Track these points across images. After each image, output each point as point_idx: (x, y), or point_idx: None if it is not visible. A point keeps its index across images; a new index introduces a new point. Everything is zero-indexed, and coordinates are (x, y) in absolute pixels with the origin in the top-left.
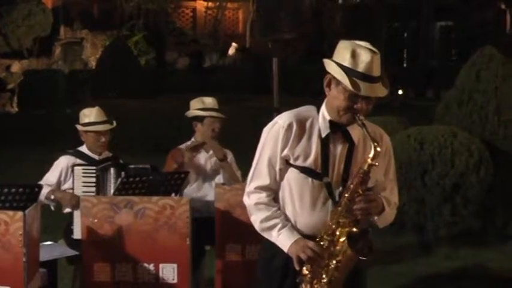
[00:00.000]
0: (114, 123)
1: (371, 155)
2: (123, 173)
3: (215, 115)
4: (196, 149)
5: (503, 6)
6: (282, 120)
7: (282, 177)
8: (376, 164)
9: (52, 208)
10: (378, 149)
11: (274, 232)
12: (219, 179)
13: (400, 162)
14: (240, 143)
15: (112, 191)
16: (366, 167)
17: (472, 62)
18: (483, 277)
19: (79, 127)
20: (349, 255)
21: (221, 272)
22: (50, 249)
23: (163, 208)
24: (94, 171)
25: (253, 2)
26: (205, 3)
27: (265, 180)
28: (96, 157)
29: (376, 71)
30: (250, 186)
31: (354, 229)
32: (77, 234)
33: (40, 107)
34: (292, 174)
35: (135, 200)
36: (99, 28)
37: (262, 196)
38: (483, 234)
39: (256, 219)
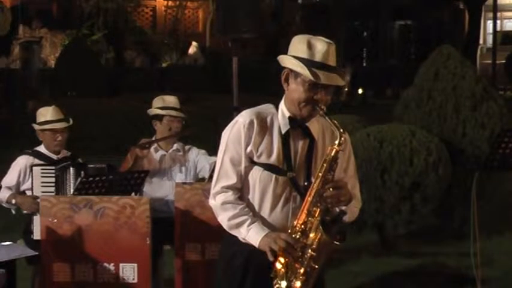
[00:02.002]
0: (71, 121)
1: (337, 142)
2: (82, 173)
3: (174, 114)
4: (143, 147)
5: (461, 6)
6: (242, 118)
7: (247, 176)
8: (342, 150)
9: (13, 212)
10: (344, 135)
11: (243, 229)
12: (180, 178)
13: (360, 160)
14: (200, 142)
15: (71, 190)
16: (333, 154)
17: (430, 61)
18: (441, 274)
19: (36, 126)
20: (324, 242)
21: (181, 272)
22: (9, 250)
23: (123, 208)
24: (53, 171)
25: (213, 1)
26: (165, 2)
27: (231, 179)
28: (54, 157)
29: (333, 61)
30: (216, 187)
31: (327, 217)
32: (37, 234)
33: None
34: (256, 173)
35: (94, 199)
36: (58, 27)
37: (229, 195)
38: (441, 232)
39: (224, 218)
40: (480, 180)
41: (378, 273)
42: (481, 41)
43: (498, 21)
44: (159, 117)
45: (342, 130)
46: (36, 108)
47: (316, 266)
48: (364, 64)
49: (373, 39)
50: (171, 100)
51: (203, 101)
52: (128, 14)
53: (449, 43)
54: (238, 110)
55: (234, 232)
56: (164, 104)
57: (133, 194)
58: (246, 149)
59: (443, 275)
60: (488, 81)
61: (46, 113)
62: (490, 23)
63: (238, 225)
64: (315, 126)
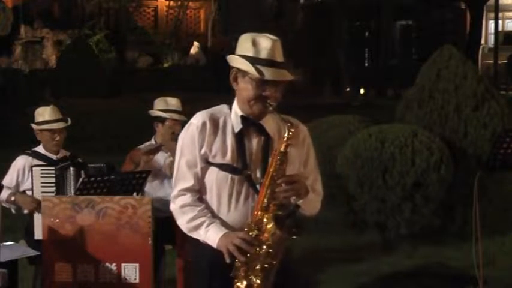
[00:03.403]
0: (69, 121)
1: (285, 135)
2: (82, 173)
3: (176, 118)
4: (152, 152)
5: (463, 6)
6: (196, 120)
7: (203, 177)
8: (291, 143)
9: (13, 211)
10: (292, 129)
11: (202, 230)
12: None
13: (361, 160)
14: None
15: (72, 190)
16: (282, 148)
17: (432, 61)
18: (443, 275)
19: (34, 126)
20: (278, 237)
21: (182, 271)
22: (11, 250)
23: (125, 208)
24: (53, 171)
25: (214, 1)
26: (166, 2)
27: (189, 181)
28: (53, 156)
29: (279, 57)
30: (174, 190)
31: (279, 212)
32: (38, 234)
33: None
34: (213, 173)
35: (96, 199)
36: (60, 27)
37: (187, 198)
38: (443, 232)
39: (183, 221)
40: (482, 180)
41: (380, 273)
42: (482, 41)
43: (500, 21)
44: (161, 120)
45: (289, 124)
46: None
47: (274, 262)
48: (366, 64)
49: (375, 39)
50: (173, 103)
51: (204, 101)
52: (129, 14)
53: (451, 43)
54: None
55: (193, 235)
56: (167, 106)
57: (135, 194)
58: (200, 150)
59: (445, 275)
60: (490, 81)
61: (44, 113)
62: (491, 23)
63: (197, 228)
64: (270, 123)
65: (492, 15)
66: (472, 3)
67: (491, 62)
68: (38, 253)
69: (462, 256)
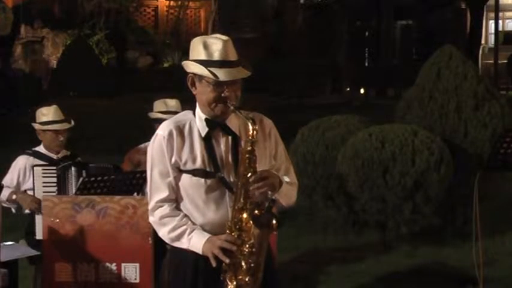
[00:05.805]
0: (72, 122)
1: (250, 133)
2: (84, 172)
3: None
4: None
5: (463, 6)
6: (162, 131)
7: (178, 186)
8: (256, 140)
9: (13, 211)
10: (255, 126)
11: (185, 239)
12: None
13: (362, 160)
14: None
15: (73, 190)
16: (249, 147)
17: (432, 61)
18: (443, 274)
19: (36, 126)
20: (259, 235)
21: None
22: (11, 250)
23: (125, 207)
24: (54, 171)
25: (215, 1)
26: (167, 2)
27: (164, 192)
28: (54, 156)
29: (232, 56)
30: (151, 203)
31: (256, 211)
32: (39, 234)
33: (0, 107)
34: (186, 180)
35: (97, 199)
36: (60, 27)
37: (165, 208)
38: (443, 232)
39: (164, 232)
40: (482, 180)
41: (380, 272)
42: (482, 41)
43: (500, 21)
44: (161, 122)
45: (252, 120)
46: None
47: (260, 259)
48: (366, 64)
49: (375, 39)
50: (173, 104)
51: None
52: (129, 14)
53: (451, 43)
54: (240, 109)
55: (176, 244)
56: (166, 108)
57: (135, 194)
58: (170, 160)
59: (446, 274)
60: (490, 81)
61: (48, 113)
62: (492, 23)
63: (179, 237)
64: (234, 122)
65: (492, 15)
66: (472, 3)
67: (492, 62)
68: (38, 253)
69: (462, 256)
